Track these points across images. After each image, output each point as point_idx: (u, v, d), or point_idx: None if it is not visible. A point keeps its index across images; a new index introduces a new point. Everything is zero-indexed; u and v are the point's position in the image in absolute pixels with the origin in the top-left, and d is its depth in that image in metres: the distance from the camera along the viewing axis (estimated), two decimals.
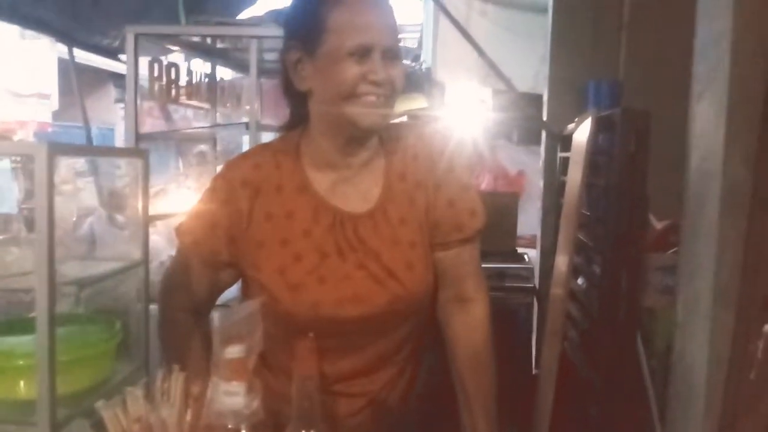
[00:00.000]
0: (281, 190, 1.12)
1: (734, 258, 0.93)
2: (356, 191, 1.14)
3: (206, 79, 2.62)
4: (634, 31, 2.51)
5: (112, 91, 10.03)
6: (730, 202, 0.93)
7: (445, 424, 1.22)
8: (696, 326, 1.01)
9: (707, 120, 1.02)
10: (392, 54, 1.06)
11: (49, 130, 8.22)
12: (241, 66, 2.97)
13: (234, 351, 0.85)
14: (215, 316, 0.83)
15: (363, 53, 1.02)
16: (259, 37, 2.17)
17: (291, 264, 1.09)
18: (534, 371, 2.49)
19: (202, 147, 2.80)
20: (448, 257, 1.17)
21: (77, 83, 3.51)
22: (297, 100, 1.15)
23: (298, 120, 1.18)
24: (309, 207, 1.11)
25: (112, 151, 1.12)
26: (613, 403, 1.74)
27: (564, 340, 2.05)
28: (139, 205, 1.06)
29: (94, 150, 1.07)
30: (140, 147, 1.12)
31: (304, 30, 1.07)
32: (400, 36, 1.12)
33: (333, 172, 1.14)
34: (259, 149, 1.23)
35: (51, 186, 0.85)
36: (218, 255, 1.14)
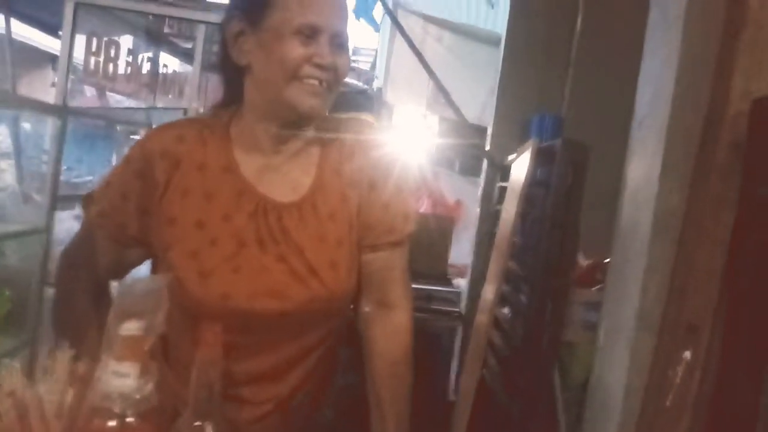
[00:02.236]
0: (204, 168, 1.05)
1: (660, 282, 0.93)
2: (285, 180, 1.08)
3: (149, 63, 2.51)
4: (581, 67, 2.58)
5: (50, 75, 9.58)
6: (662, 227, 0.94)
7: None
8: (616, 351, 1.00)
9: (645, 147, 1.03)
10: (340, 40, 1.02)
11: None
12: (187, 56, 2.87)
13: (130, 327, 0.77)
14: (114, 286, 0.75)
15: (310, 34, 0.98)
16: (207, 23, 2.09)
17: (205, 248, 1.01)
18: (452, 398, 2.46)
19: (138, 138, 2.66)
20: (377, 260, 1.12)
21: (10, 59, 3.30)
22: (233, 76, 1.08)
23: (231, 98, 1.11)
24: (232, 190, 1.04)
25: (30, 102, 1.02)
26: None
27: (484, 367, 2.04)
28: (50, 169, 0.96)
29: (9, 98, 0.97)
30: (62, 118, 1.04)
31: (250, 0, 1.02)
32: (352, 57, 1.08)
33: (262, 157, 1.07)
34: (186, 122, 1.16)
35: None
36: (126, 229, 1.05)
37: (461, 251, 3.11)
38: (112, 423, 0.74)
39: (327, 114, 1.09)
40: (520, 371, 1.81)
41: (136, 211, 1.04)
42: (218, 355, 0.80)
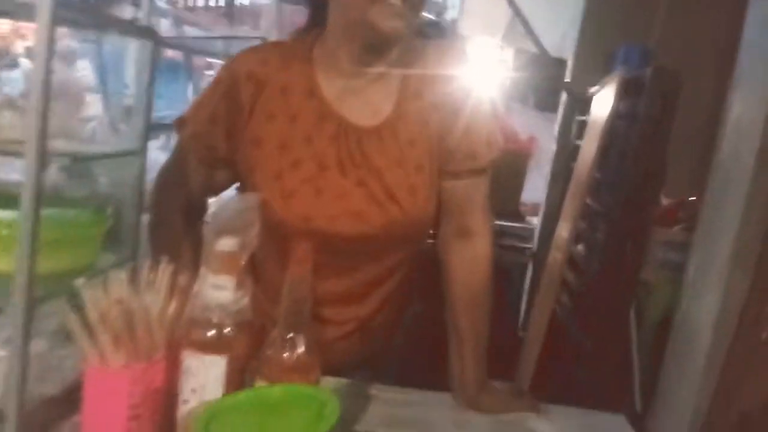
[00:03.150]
0: (287, 91, 1.06)
1: (760, 218, 0.88)
2: (366, 104, 1.07)
3: None
4: None
5: (129, 10, 9.81)
6: (766, 159, 0.88)
7: (431, 366, 1.19)
8: (707, 286, 0.97)
9: (752, 74, 0.96)
10: None
11: None
12: None
13: (226, 243, 0.80)
14: (212, 204, 0.78)
15: None
16: None
17: (287, 170, 1.03)
18: (520, 333, 2.48)
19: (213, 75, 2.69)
20: (458, 187, 1.11)
21: None
22: (316, 0, 1.08)
23: (314, 22, 1.10)
24: (314, 112, 1.05)
25: (122, 24, 1.05)
26: (600, 369, 1.73)
27: (556, 303, 2.03)
28: (143, 90, 0.99)
29: (99, 17, 1.00)
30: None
31: None
32: None
33: (344, 81, 1.07)
34: (270, 46, 1.16)
35: (51, 41, 0.78)
36: (215, 151, 1.08)
37: (532, 189, 3.05)
38: (211, 333, 0.79)
39: (408, 36, 1.06)
40: (595, 308, 1.80)
41: (223, 134, 1.07)
42: (308, 272, 0.82)
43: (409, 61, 1.10)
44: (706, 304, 0.94)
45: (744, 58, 1.00)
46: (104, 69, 3.83)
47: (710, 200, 1.05)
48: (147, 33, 1.01)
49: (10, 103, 0.92)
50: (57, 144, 0.87)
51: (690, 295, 1.03)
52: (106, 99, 3.52)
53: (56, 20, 0.79)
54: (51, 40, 0.78)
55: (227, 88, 1.06)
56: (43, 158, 0.81)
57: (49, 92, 0.78)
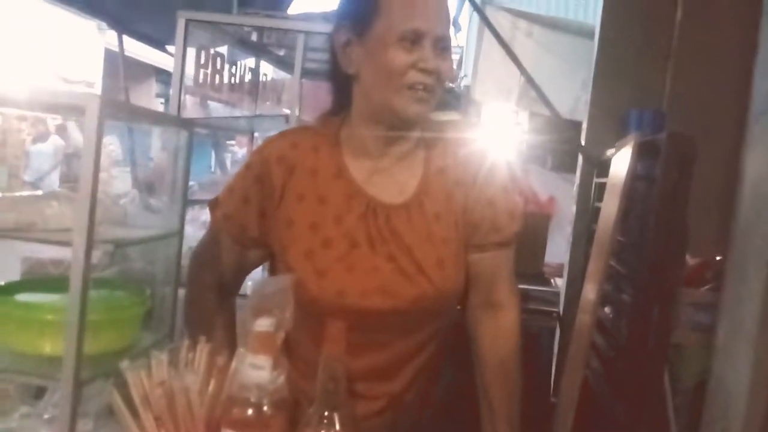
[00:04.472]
0: (316, 173, 1.11)
1: None
2: (392, 182, 1.12)
3: (249, 73, 2.64)
4: (682, 61, 2.48)
5: (154, 86, 10.25)
6: None
7: None
8: (738, 350, 0.97)
9: (765, 139, 0.99)
10: (443, 44, 1.04)
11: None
12: (282, 64, 3.00)
13: (264, 324, 0.83)
14: (250, 286, 0.82)
15: (414, 39, 1.01)
16: (308, 33, 2.19)
17: (319, 249, 1.07)
18: (552, 399, 2.43)
19: (236, 148, 2.79)
20: (484, 260, 1.14)
21: (123, 71, 3.57)
22: (342, 85, 1.14)
23: (340, 106, 1.17)
24: (343, 193, 1.10)
25: (159, 116, 1.14)
26: None
27: (586, 368, 2.00)
28: (180, 176, 1.05)
29: (143, 111, 1.07)
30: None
31: (356, 11, 1.06)
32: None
33: (370, 161, 1.12)
34: (299, 130, 1.23)
35: (99, 141, 0.85)
36: (248, 231, 1.13)
37: (554, 249, 3.06)
38: (249, 411, 0.81)
39: (430, 116, 1.12)
40: (627, 374, 1.77)
41: (256, 214, 1.12)
42: (342, 350, 0.85)
43: (431, 138, 1.15)
44: (738, 369, 0.94)
45: (753, 124, 1.04)
46: (133, 144, 3.99)
47: (733, 262, 1.06)
48: (184, 124, 1.08)
49: (56, 195, 0.98)
50: (100, 230, 0.92)
51: (722, 359, 1.03)
52: (135, 173, 3.65)
53: (103, 117, 0.86)
54: (99, 139, 0.84)
55: (259, 171, 1.12)
56: (91, 246, 0.86)
57: (96, 186, 0.84)
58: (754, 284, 0.93)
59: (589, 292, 1.95)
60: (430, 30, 1.02)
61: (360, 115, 1.12)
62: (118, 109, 0.94)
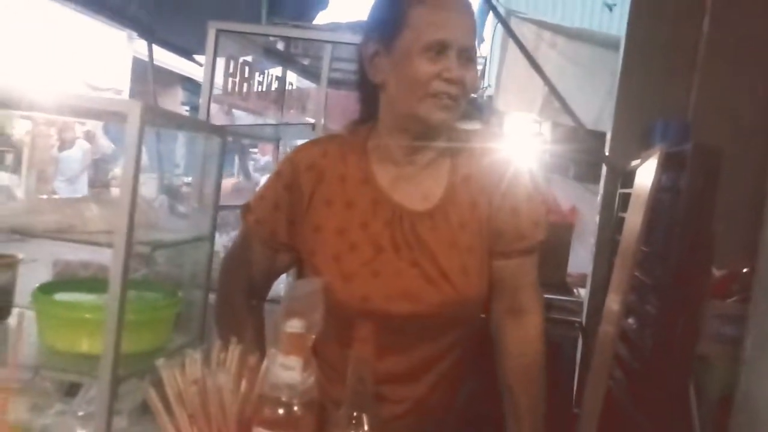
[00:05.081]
0: (344, 179, 1.14)
1: None
2: (418, 189, 1.14)
3: (276, 84, 2.68)
4: (708, 72, 2.47)
5: (180, 94, 10.42)
6: None
7: None
8: (766, 365, 0.97)
9: None
10: (468, 55, 1.06)
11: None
12: (307, 73, 3.04)
13: (295, 325, 0.85)
14: (283, 287, 0.84)
15: (439, 50, 1.03)
16: (335, 43, 2.22)
17: (346, 253, 1.09)
18: (574, 410, 2.42)
19: (258, 156, 2.83)
20: (509, 267, 1.15)
21: (152, 80, 3.65)
22: (369, 95, 1.16)
23: (368, 115, 1.19)
24: (369, 199, 1.12)
25: (197, 123, 1.18)
26: None
27: (610, 379, 1.99)
28: (214, 181, 1.08)
29: (181, 119, 1.12)
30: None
31: (384, 23, 1.09)
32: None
33: (397, 169, 1.14)
34: (328, 138, 1.26)
35: (140, 146, 0.88)
36: (277, 236, 1.16)
37: (576, 259, 3.05)
38: (280, 411, 0.83)
39: (455, 125, 1.14)
40: (652, 385, 1.76)
41: (285, 220, 1.15)
42: (371, 351, 0.86)
43: (456, 147, 1.17)
44: (765, 384, 0.94)
45: None
46: (160, 151, 4.07)
47: (761, 275, 1.06)
48: (218, 131, 1.11)
49: (95, 198, 1.02)
50: (138, 232, 0.95)
51: (749, 373, 1.02)
52: (161, 179, 3.73)
53: (144, 123, 0.89)
54: (140, 144, 0.87)
55: (289, 178, 1.15)
56: (130, 248, 0.89)
57: (136, 190, 0.87)
58: None
59: (613, 302, 1.94)
60: (455, 41, 1.04)
61: (387, 123, 1.14)
62: (157, 115, 0.97)
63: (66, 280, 1.48)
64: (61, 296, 1.09)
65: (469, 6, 1.10)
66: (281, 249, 1.18)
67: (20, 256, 1.13)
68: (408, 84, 1.05)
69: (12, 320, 1.12)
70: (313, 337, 0.87)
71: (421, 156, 1.14)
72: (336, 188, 1.13)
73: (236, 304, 1.20)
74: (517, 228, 1.14)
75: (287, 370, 0.84)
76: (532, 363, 1.14)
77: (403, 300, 1.08)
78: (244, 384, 0.88)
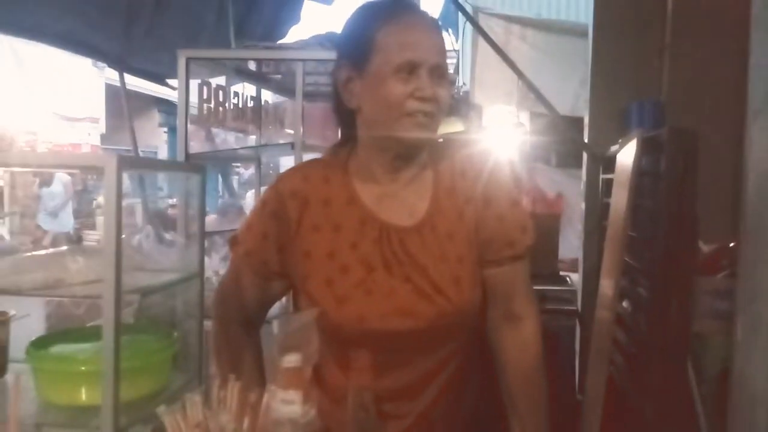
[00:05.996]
0: (329, 203, 1.14)
1: None
2: (403, 205, 1.15)
3: (251, 102, 2.68)
4: (678, 51, 2.49)
5: (156, 116, 10.36)
6: None
7: None
8: (757, 343, 0.98)
9: (765, 138, 1.01)
10: (439, 72, 1.07)
11: (99, 152, 8.59)
12: (282, 89, 3.04)
13: (291, 360, 0.86)
14: (276, 324, 0.85)
15: (410, 70, 1.04)
16: (305, 60, 2.23)
17: (338, 276, 1.10)
18: (578, 396, 2.44)
19: (241, 170, 2.82)
20: (500, 274, 1.16)
21: (127, 107, 3.62)
22: (346, 118, 1.17)
23: (347, 138, 1.20)
24: (356, 219, 1.13)
25: (174, 165, 1.18)
26: (665, 430, 1.69)
27: (610, 364, 2.01)
28: (196, 219, 1.09)
29: (157, 164, 1.11)
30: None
31: (354, 49, 1.10)
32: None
33: (380, 187, 1.15)
34: (309, 163, 1.26)
35: (120, 197, 0.88)
36: (269, 264, 1.16)
37: (567, 245, 3.08)
38: None
39: (434, 139, 1.15)
40: (650, 367, 1.78)
41: (275, 248, 1.15)
42: (370, 381, 0.87)
43: (437, 159, 1.18)
44: (759, 364, 0.96)
45: (752, 122, 1.06)
46: (142, 175, 4.03)
47: (744, 257, 1.07)
48: (199, 170, 1.11)
49: (79, 249, 1.02)
50: (126, 279, 0.95)
51: (742, 354, 1.04)
52: (146, 205, 3.68)
53: (121, 174, 0.90)
54: (119, 194, 0.87)
55: (275, 207, 1.15)
56: (120, 297, 0.89)
57: (120, 241, 0.87)
58: (766, 281, 0.95)
59: (607, 288, 1.96)
60: (425, 60, 1.05)
61: (366, 145, 1.15)
62: (134, 164, 0.97)
63: (62, 330, 1.48)
64: (55, 349, 1.08)
65: (435, 24, 1.11)
66: (273, 277, 1.18)
67: (12, 312, 1.12)
68: (383, 106, 1.06)
69: (9, 377, 1.12)
70: (311, 369, 0.88)
71: (404, 173, 1.15)
72: (322, 212, 1.14)
73: (233, 335, 1.20)
74: (505, 235, 1.15)
75: (288, 405, 0.85)
76: (530, 367, 1.15)
77: (398, 317, 1.08)
78: (246, 422, 0.89)
